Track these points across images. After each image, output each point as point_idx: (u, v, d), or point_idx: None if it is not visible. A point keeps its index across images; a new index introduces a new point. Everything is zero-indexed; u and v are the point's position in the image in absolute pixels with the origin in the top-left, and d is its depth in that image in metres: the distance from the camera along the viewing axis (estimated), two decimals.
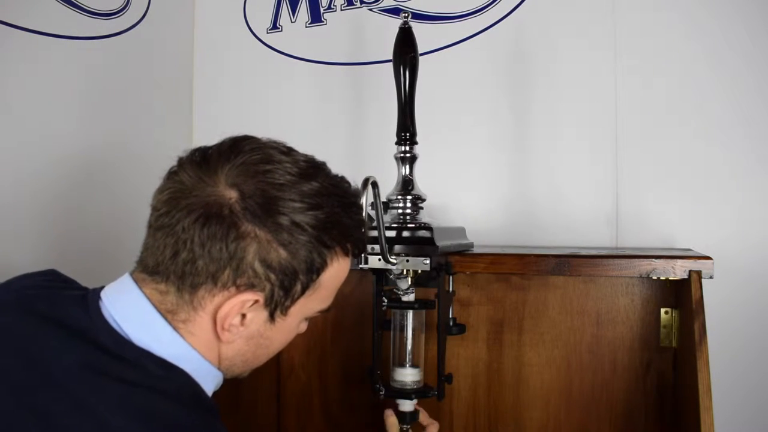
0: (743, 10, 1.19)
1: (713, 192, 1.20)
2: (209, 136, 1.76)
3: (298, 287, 0.64)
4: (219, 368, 0.67)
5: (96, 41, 1.32)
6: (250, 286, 0.62)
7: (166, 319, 0.63)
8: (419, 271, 1.00)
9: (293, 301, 0.65)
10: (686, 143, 1.22)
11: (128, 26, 1.39)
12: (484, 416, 1.16)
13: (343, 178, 0.68)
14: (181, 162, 0.66)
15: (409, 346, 1.04)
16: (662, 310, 1.07)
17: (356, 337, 1.22)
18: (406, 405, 1.02)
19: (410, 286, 1.01)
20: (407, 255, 0.97)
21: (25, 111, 1.18)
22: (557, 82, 1.30)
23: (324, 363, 1.26)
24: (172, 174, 0.66)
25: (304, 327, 0.73)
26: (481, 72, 1.36)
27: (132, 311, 0.63)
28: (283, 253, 0.61)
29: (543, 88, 1.31)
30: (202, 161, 0.64)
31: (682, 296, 0.99)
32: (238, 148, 0.65)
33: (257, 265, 0.61)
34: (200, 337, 0.64)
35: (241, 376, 0.72)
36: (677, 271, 0.93)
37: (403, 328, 1.04)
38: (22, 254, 1.16)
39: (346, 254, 0.67)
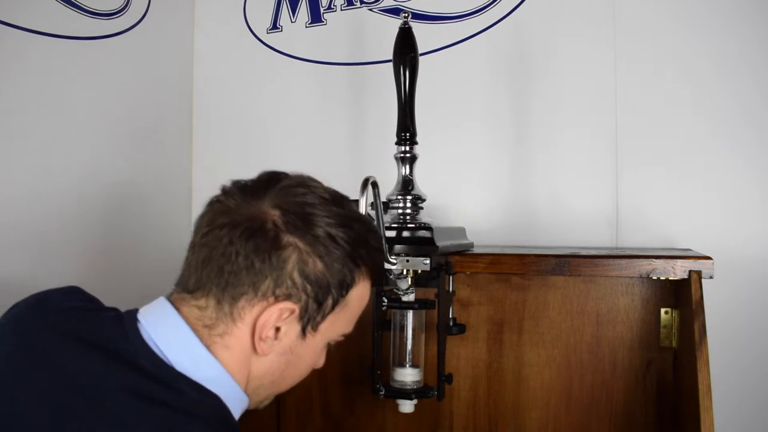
0: (744, 9, 1.19)
1: (713, 192, 1.20)
2: (209, 136, 1.77)
3: (330, 302, 0.68)
4: (246, 390, 0.69)
5: (96, 41, 1.32)
6: (288, 297, 0.65)
7: (203, 341, 0.65)
8: (419, 271, 1.00)
9: (324, 317, 0.68)
10: (686, 143, 1.22)
11: (128, 26, 1.39)
12: (484, 416, 1.16)
13: (361, 215, 0.74)
14: (224, 190, 0.69)
15: (409, 346, 1.04)
16: (662, 310, 1.07)
17: (356, 337, 1.21)
18: (406, 405, 1.02)
19: (410, 286, 1.01)
20: (407, 255, 0.97)
21: (24, 111, 1.18)
22: (557, 81, 1.30)
23: (324, 363, 1.26)
24: (214, 201, 0.69)
25: (322, 360, 0.76)
26: (481, 72, 1.36)
27: (171, 334, 0.65)
28: (319, 264, 0.66)
29: (543, 88, 1.31)
30: (245, 189, 0.68)
31: (682, 296, 0.99)
32: (276, 177, 0.70)
33: (296, 276, 0.65)
34: (235, 351, 0.66)
35: (263, 404, 0.74)
36: (677, 271, 0.93)
37: (403, 328, 1.04)
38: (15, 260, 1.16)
39: (369, 277, 0.72)
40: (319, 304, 0.67)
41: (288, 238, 0.65)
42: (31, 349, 0.65)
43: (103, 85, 1.33)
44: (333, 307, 0.68)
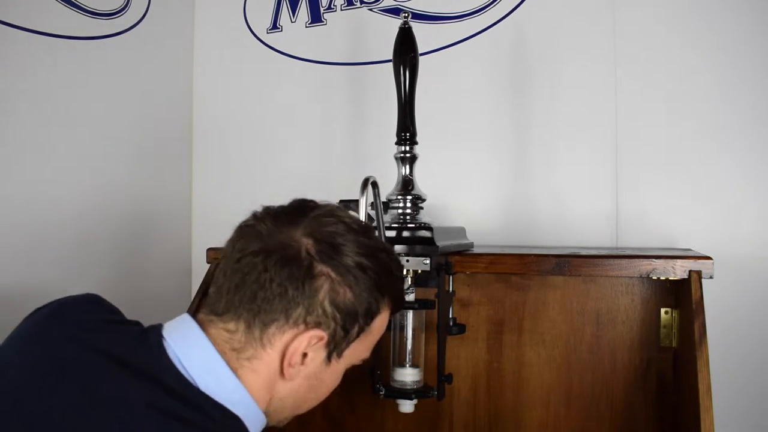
0: (742, 12, 1.19)
1: (713, 192, 1.20)
2: (209, 136, 1.76)
3: (356, 330, 0.69)
4: (268, 409, 0.70)
5: (96, 41, 1.32)
6: (317, 324, 0.67)
7: (230, 364, 0.66)
8: (419, 271, 0.99)
9: (348, 344, 0.70)
10: (686, 143, 1.22)
11: (128, 26, 1.39)
12: (484, 416, 1.16)
13: (385, 244, 0.75)
14: (256, 216, 0.71)
15: (409, 346, 1.04)
16: (662, 310, 1.07)
17: None
18: (406, 405, 1.02)
19: (410, 286, 1.01)
20: (407, 255, 0.97)
21: (24, 110, 1.18)
22: (557, 81, 1.30)
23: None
24: (244, 227, 0.70)
25: (339, 381, 0.76)
26: (481, 72, 1.36)
27: (197, 353, 0.66)
28: (349, 294, 0.67)
29: (543, 88, 1.31)
30: (277, 216, 0.70)
31: (682, 296, 0.99)
32: (306, 206, 0.71)
33: (327, 304, 0.66)
34: (262, 375, 0.67)
35: (282, 423, 0.75)
36: (677, 271, 0.93)
37: (403, 328, 1.04)
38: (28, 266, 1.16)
39: (391, 305, 0.74)
40: (346, 331, 0.69)
41: (321, 268, 0.66)
42: (51, 360, 0.64)
43: (103, 84, 1.33)
44: (358, 335, 0.70)
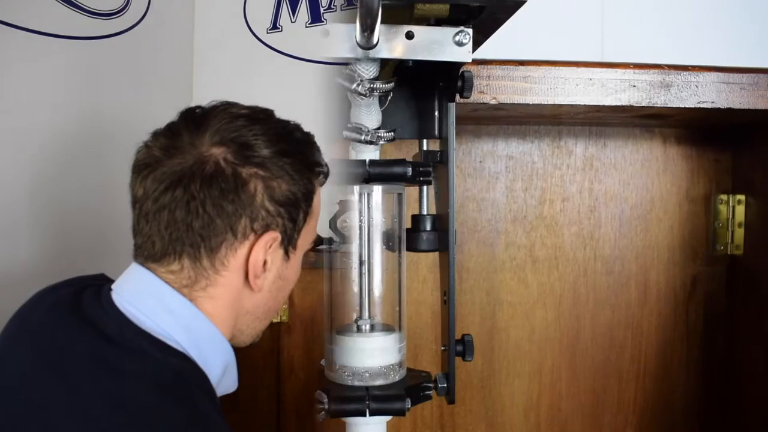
0: None
1: None
2: None
3: (301, 216, 0.70)
4: (236, 331, 0.70)
5: (96, 41, 1.32)
6: (266, 227, 0.67)
7: (174, 288, 0.65)
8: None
9: (299, 233, 0.70)
10: None
11: (128, 26, 1.39)
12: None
13: (288, 121, 0.74)
14: (148, 145, 0.69)
15: (376, 292, 0.76)
16: (717, 198, 0.77)
17: None
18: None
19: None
20: None
21: (24, 111, 1.18)
22: None
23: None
24: (142, 165, 0.67)
25: (299, 272, 0.76)
26: None
27: (138, 287, 0.66)
28: (283, 185, 0.67)
29: None
30: (171, 136, 0.68)
31: (748, 167, 0.67)
32: (197, 116, 0.69)
33: (267, 204, 0.66)
34: (222, 299, 0.66)
35: (256, 339, 0.75)
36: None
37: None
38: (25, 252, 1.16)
39: (320, 179, 0.74)
40: (294, 222, 0.69)
41: (247, 171, 0.65)
42: (23, 324, 0.68)
43: (102, 85, 1.33)
44: (305, 220, 0.71)
